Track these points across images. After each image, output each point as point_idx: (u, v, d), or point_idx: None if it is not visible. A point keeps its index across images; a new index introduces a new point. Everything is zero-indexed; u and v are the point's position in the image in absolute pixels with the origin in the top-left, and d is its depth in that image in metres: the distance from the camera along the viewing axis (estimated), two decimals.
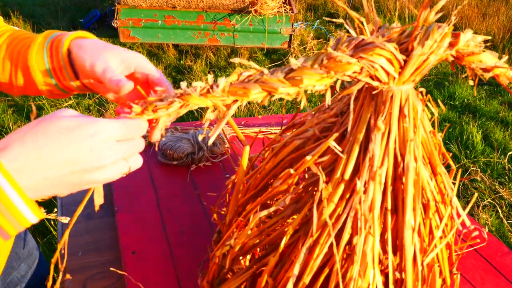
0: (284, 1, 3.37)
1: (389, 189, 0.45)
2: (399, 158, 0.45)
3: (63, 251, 0.72)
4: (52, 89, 0.54)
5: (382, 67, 0.39)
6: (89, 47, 0.50)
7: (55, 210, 0.49)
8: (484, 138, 2.69)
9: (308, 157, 0.45)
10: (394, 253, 0.47)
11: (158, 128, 0.44)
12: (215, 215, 0.64)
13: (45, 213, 0.42)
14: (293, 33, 3.34)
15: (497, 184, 2.26)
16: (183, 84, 0.41)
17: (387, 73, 0.41)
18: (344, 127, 0.46)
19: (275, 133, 1.17)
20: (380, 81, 0.41)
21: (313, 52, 3.76)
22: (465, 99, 3.19)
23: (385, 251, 0.47)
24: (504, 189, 2.22)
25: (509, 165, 2.39)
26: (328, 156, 0.46)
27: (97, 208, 0.44)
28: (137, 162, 0.44)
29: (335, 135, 0.45)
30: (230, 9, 3.21)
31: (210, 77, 0.39)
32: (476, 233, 0.85)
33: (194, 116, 2.62)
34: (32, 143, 0.37)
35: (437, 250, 0.50)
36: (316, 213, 0.44)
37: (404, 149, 0.45)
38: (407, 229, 0.45)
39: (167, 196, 0.91)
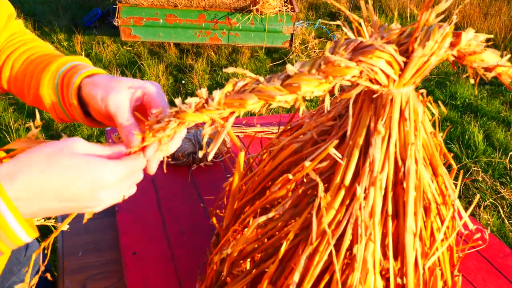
0: (285, 0, 3.36)
1: (390, 194, 0.44)
2: (400, 162, 0.44)
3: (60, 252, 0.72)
4: (63, 118, 0.56)
5: (382, 70, 0.38)
6: (100, 82, 0.50)
7: (54, 233, 0.50)
8: (486, 138, 2.68)
9: (307, 163, 0.45)
10: (395, 258, 0.47)
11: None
12: (214, 219, 0.64)
13: (44, 220, 0.43)
14: (294, 32, 3.33)
15: (498, 184, 2.26)
16: (177, 101, 0.41)
17: (387, 76, 0.40)
18: (343, 130, 0.46)
19: (275, 133, 1.17)
20: (380, 84, 0.40)
21: (315, 51, 3.75)
22: (467, 99, 3.18)
23: (385, 257, 0.46)
24: (505, 189, 2.21)
25: (511, 165, 2.38)
26: (327, 162, 0.46)
27: (85, 221, 0.46)
28: (133, 191, 0.47)
29: (335, 142, 0.44)
30: (232, 8, 3.20)
31: (204, 90, 0.39)
32: (478, 235, 0.84)
33: None
34: (39, 178, 0.39)
35: (438, 253, 0.49)
36: (315, 220, 0.44)
37: (405, 153, 0.44)
38: (408, 234, 0.44)
39: (167, 196, 0.91)
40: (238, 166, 0.54)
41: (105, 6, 4.29)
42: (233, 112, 0.38)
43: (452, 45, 0.40)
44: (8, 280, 0.77)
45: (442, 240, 0.51)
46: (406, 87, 0.42)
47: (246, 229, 0.52)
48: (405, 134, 0.44)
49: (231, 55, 3.72)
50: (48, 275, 0.63)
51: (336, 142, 0.45)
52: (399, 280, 0.46)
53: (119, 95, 0.47)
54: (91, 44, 3.73)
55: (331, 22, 0.41)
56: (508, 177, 2.31)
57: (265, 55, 3.77)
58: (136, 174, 0.45)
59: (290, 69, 0.37)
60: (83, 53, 3.45)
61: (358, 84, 0.39)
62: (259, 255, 0.54)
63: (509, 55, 0.43)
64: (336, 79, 0.36)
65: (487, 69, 0.42)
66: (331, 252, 0.44)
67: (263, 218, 0.47)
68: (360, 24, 0.41)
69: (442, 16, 0.40)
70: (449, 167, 0.53)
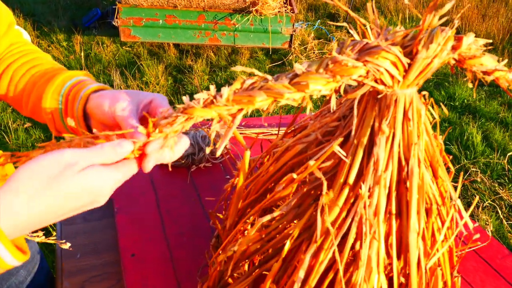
0: (285, 1, 3.37)
1: (393, 193, 0.45)
2: (403, 162, 0.45)
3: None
4: (61, 130, 0.56)
5: (387, 70, 0.39)
6: (108, 93, 0.51)
7: (54, 234, 0.50)
8: (484, 138, 2.69)
9: (311, 162, 0.45)
10: (398, 257, 0.47)
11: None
12: (216, 222, 0.63)
13: (44, 237, 0.44)
14: (294, 33, 3.34)
15: (497, 185, 2.26)
16: (186, 98, 0.41)
17: (392, 77, 0.40)
18: (347, 130, 0.46)
19: (275, 134, 1.17)
20: (384, 84, 0.41)
21: (314, 52, 3.75)
22: (465, 100, 3.19)
23: (389, 255, 0.46)
24: (504, 190, 2.21)
25: (509, 166, 2.39)
26: (331, 161, 0.46)
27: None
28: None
29: (340, 139, 0.44)
30: (231, 8, 3.21)
31: (212, 87, 0.39)
32: (478, 235, 0.85)
33: None
34: (42, 204, 0.39)
35: (439, 254, 0.50)
36: (320, 219, 0.44)
37: (408, 152, 0.44)
38: (412, 233, 0.45)
39: (166, 197, 0.91)
40: (243, 165, 0.54)
41: (105, 6, 4.29)
42: (241, 109, 0.38)
43: (454, 48, 0.41)
44: (7, 281, 0.76)
45: (443, 241, 0.52)
46: (409, 88, 0.43)
47: (250, 229, 0.52)
48: (408, 134, 0.45)
49: (231, 56, 3.72)
50: None
51: (340, 140, 0.45)
52: (402, 279, 0.46)
53: (126, 103, 0.48)
54: (91, 45, 3.72)
55: (334, 23, 0.42)
56: (506, 178, 2.32)
57: (264, 56, 3.78)
58: (132, 166, 0.45)
59: (298, 67, 0.37)
60: (82, 54, 3.44)
61: (364, 84, 0.39)
62: (261, 256, 0.54)
63: (506, 60, 0.43)
64: (343, 78, 0.37)
65: (486, 73, 0.42)
66: (335, 250, 0.44)
67: (267, 218, 0.47)
68: (365, 26, 0.41)
69: (444, 19, 0.40)
70: (447, 170, 0.53)
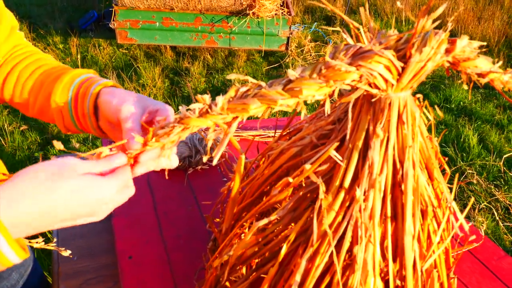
0: (281, 4, 3.38)
1: (388, 196, 0.45)
2: (398, 165, 0.45)
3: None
4: (71, 128, 0.57)
5: (380, 74, 0.39)
6: (118, 92, 0.51)
7: (54, 240, 0.51)
8: (480, 141, 2.71)
9: (307, 166, 0.45)
10: (394, 260, 0.47)
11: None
12: (213, 225, 0.63)
13: (44, 243, 0.44)
14: (290, 35, 3.35)
15: (493, 187, 2.28)
16: (182, 109, 0.42)
17: (386, 81, 0.41)
18: (342, 134, 0.46)
19: (272, 136, 1.17)
20: (378, 88, 0.41)
21: (311, 55, 3.76)
22: (461, 102, 3.21)
23: (384, 258, 0.47)
24: (499, 192, 2.23)
25: (505, 168, 2.40)
26: (327, 165, 0.46)
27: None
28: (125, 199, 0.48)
29: (335, 144, 0.45)
30: (228, 11, 3.21)
31: (207, 96, 0.40)
32: (474, 237, 0.85)
33: None
34: (42, 203, 0.40)
35: (435, 256, 0.50)
36: (316, 222, 0.44)
37: (403, 155, 0.45)
38: (407, 235, 0.45)
39: (163, 200, 0.91)
40: (239, 169, 0.55)
41: (101, 8, 4.29)
42: (236, 117, 0.39)
43: (448, 51, 0.41)
44: None
45: (439, 243, 0.52)
46: (403, 91, 0.43)
47: (246, 232, 0.52)
48: (403, 137, 0.45)
49: (227, 58, 3.72)
50: None
51: (336, 144, 0.45)
52: (398, 282, 0.47)
53: (132, 107, 0.49)
54: (87, 47, 3.72)
55: (328, 28, 0.42)
56: (502, 180, 2.33)
57: (261, 58, 3.78)
58: (128, 188, 0.47)
59: (292, 73, 0.37)
60: (78, 56, 3.43)
61: (357, 88, 0.40)
62: (258, 260, 0.54)
63: (501, 62, 0.43)
64: (337, 83, 0.37)
65: (481, 75, 0.43)
66: (331, 253, 0.44)
67: (264, 221, 0.47)
68: (358, 29, 0.42)
69: (438, 22, 0.40)
70: (443, 171, 0.54)
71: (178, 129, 0.41)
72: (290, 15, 3.30)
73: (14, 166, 2.24)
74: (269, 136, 1.17)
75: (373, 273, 0.45)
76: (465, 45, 0.41)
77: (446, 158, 0.57)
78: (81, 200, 0.41)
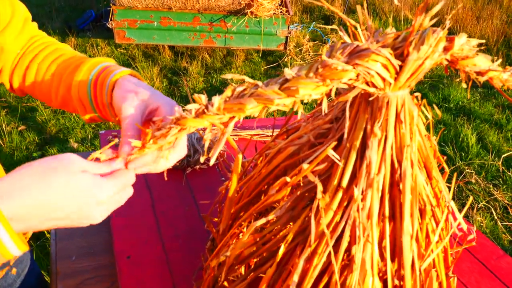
0: (280, 3, 3.38)
1: (386, 196, 0.45)
2: (396, 164, 0.45)
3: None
4: (94, 117, 0.57)
5: (378, 73, 0.39)
6: (124, 87, 0.51)
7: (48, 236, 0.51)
8: (479, 140, 2.71)
9: (305, 166, 0.45)
10: (392, 260, 0.47)
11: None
12: (211, 225, 0.63)
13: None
14: (289, 35, 3.35)
15: (491, 186, 2.28)
16: (178, 109, 0.42)
17: (383, 79, 0.40)
18: (340, 133, 0.46)
19: (270, 135, 1.17)
20: (376, 87, 0.41)
21: (309, 54, 3.76)
22: (460, 102, 3.21)
23: (383, 258, 0.46)
24: (498, 191, 2.23)
25: (503, 168, 2.41)
26: (324, 164, 0.46)
27: None
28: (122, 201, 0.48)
29: (333, 143, 0.44)
30: (226, 10, 3.21)
31: (204, 97, 0.39)
32: (473, 235, 0.85)
33: None
34: (37, 197, 0.39)
35: (434, 255, 0.50)
36: (314, 222, 0.44)
37: (401, 155, 0.44)
38: (405, 235, 0.45)
39: (162, 199, 0.91)
40: (236, 169, 0.55)
41: (99, 8, 4.28)
42: (233, 117, 0.38)
43: (446, 49, 0.41)
44: None
45: (437, 242, 0.52)
46: (401, 90, 0.43)
47: (244, 231, 0.52)
48: (401, 137, 0.45)
49: (226, 58, 3.72)
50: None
51: (334, 144, 0.45)
52: (396, 282, 0.47)
53: (131, 107, 0.49)
54: (85, 47, 3.71)
55: (326, 27, 0.42)
56: (500, 179, 2.34)
57: (259, 57, 3.78)
58: (126, 191, 0.47)
59: (288, 73, 0.37)
60: None
61: (354, 87, 0.39)
62: (256, 260, 0.54)
63: (500, 60, 0.43)
64: (334, 82, 0.37)
65: (479, 73, 0.42)
66: (329, 254, 0.44)
67: (262, 221, 0.47)
68: (356, 28, 0.41)
69: (435, 20, 0.40)
70: (441, 170, 0.53)
71: (175, 130, 0.41)
72: (288, 14, 3.29)
73: (12, 167, 2.24)
74: (267, 135, 1.17)
75: (371, 272, 0.44)
76: (463, 43, 0.41)
77: (445, 157, 0.56)
78: (77, 197, 0.41)
